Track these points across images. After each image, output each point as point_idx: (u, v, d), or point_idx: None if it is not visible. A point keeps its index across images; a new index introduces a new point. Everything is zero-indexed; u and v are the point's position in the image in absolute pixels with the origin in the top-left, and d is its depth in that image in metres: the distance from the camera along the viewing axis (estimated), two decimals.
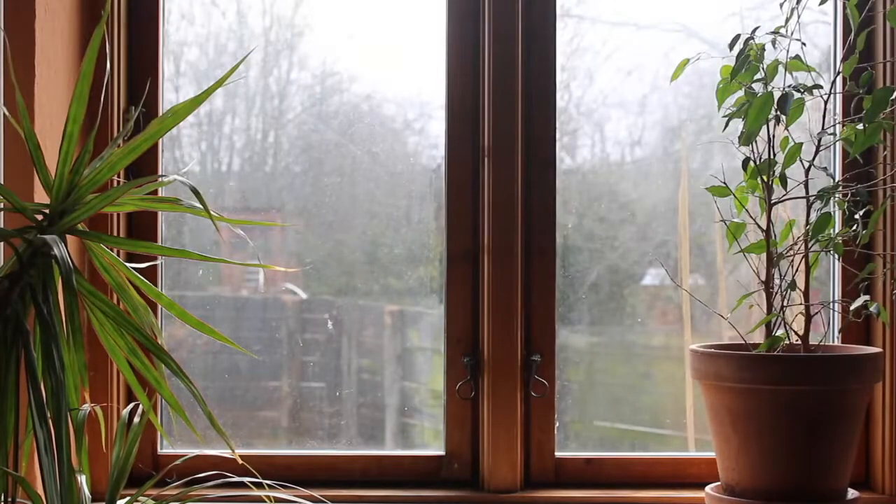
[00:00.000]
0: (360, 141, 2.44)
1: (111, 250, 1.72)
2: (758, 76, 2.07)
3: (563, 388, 2.39)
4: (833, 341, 2.33)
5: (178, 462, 1.84)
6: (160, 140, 2.24)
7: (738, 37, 2.09)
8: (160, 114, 2.26)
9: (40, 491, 1.57)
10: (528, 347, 2.33)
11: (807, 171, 2.07)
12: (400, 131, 2.49)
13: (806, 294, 2.07)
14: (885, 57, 2.29)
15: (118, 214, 2.28)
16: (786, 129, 2.08)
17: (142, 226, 2.33)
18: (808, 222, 2.07)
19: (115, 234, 2.25)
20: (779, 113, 2.05)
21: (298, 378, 2.44)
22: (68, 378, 1.63)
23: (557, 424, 2.36)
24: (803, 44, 2.10)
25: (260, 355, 2.42)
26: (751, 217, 2.13)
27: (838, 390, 1.98)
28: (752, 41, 2.07)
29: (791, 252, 2.09)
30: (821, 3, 2.14)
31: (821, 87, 2.07)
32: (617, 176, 2.51)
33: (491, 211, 2.30)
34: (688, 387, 2.42)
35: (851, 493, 2.04)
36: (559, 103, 2.37)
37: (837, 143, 2.26)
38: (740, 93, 2.09)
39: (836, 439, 1.98)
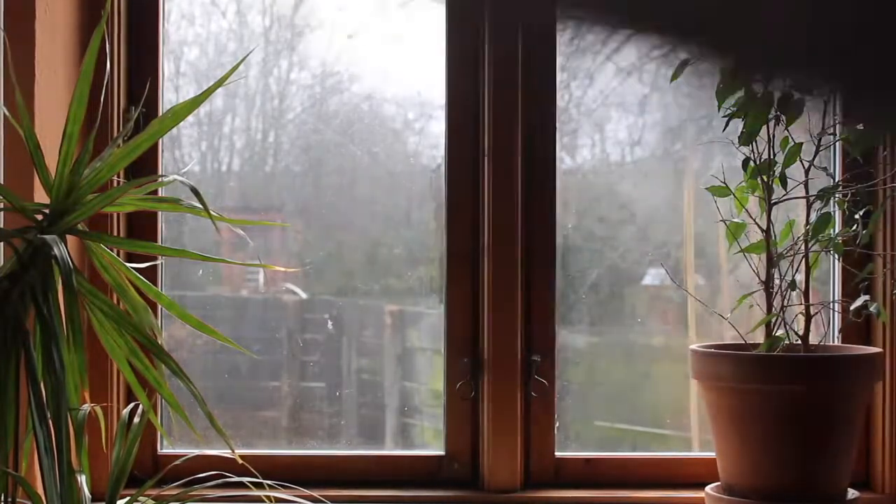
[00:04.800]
0: (360, 141, 2.44)
1: (111, 250, 1.72)
2: None
3: (563, 388, 2.39)
4: (833, 341, 2.33)
5: (178, 462, 1.83)
6: (160, 140, 2.24)
7: None
8: (160, 114, 2.26)
9: (40, 491, 1.57)
10: (528, 347, 2.33)
11: (807, 171, 2.07)
12: (400, 131, 2.49)
13: (806, 294, 2.07)
14: None
15: (118, 214, 2.28)
16: (786, 129, 2.08)
17: (142, 226, 2.33)
18: (808, 222, 2.07)
19: (115, 234, 2.25)
20: (779, 113, 2.05)
21: (298, 378, 2.44)
22: (68, 378, 1.63)
23: (557, 424, 2.35)
24: None
25: (260, 355, 2.42)
26: (751, 217, 2.13)
27: (838, 390, 1.98)
28: None
29: (791, 252, 2.09)
30: None
31: None
32: (617, 176, 2.51)
33: (491, 211, 2.30)
34: (690, 387, 2.42)
35: (851, 493, 2.04)
36: (559, 103, 2.37)
37: (837, 143, 2.25)
38: (740, 93, 2.09)
39: (836, 439, 1.98)
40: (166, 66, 2.38)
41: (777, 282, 2.09)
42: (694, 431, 2.43)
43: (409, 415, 2.45)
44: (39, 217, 1.63)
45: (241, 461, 1.72)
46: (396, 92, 2.46)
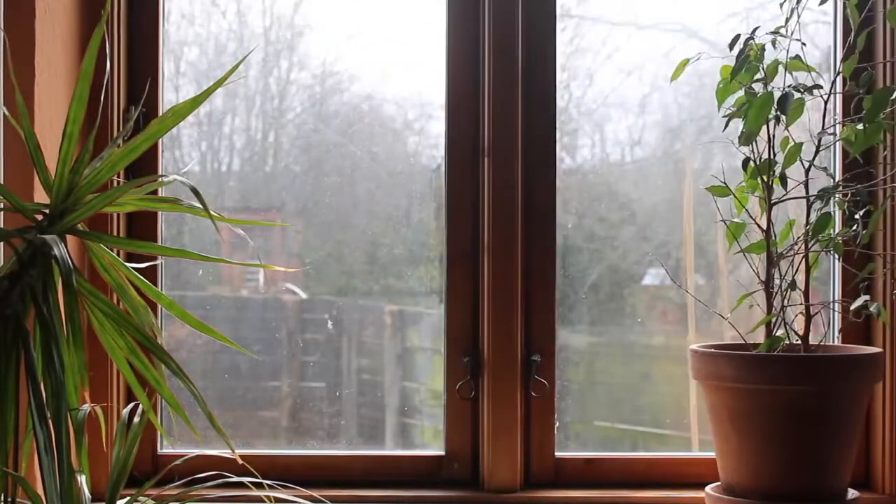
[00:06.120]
0: (360, 141, 2.44)
1: (111, 250, 1.72)
2: (758, 76, 2.07)
3: (563, 388, 2.39)
4: (833, 341, 2.33)
5: (178, 462, 1.83)
6: (160, 140, 2.24)
7: (738, 37, 2.09)
8: (160, 114, 2.26)
9: (40, 491, 1.57)
10: (528, 347, 2.33)
11: (807, 171, 2.07)
12: (400, 131, 2.49)
13: (806, 294, 2.07)
14: (885, 57, 2.28)
15: (118, 214, 2.28)
16: (786, 129, 2.08)
17: (142, 226, 2.33)
18: (808, 222, 2.07)
19: (115, 234, 2.25)
20: (779, 113, 2.05)
21: (298, 378, 2.44)
22: (68, 378, 1.63)
23: (557, 424, 2.36)
24: (803, 44, 2.10)
25: (260, 355, 2.42)
26: (751, 217, 2.13)
27: (838, 390, 1.98)
28: (752, 41, 2.07)
29: (791, 252, 2.09)
30: (821, 3, 2.14)
31: (821, 87, 2.07)
32: (617, 176, 2.51)
33: (491, 211, 2.30)
34: (690, 387, 2.42)
35: (851, 493, 2.04)
36: (559, 103, 2.37)
37: (837, 143, 2.25)
38: (740, 93, 2.09)
39: (836, 439, 1.98)
40: (166, 66, 2.38)
41: (777, 282, 2.08)
42: (694, 431, 2.43)
43: (409, 415, 2.45)
44: (39, 217, 1.63)
45: (241, 461, 1.72)
46: (396, 92, 2.46)
